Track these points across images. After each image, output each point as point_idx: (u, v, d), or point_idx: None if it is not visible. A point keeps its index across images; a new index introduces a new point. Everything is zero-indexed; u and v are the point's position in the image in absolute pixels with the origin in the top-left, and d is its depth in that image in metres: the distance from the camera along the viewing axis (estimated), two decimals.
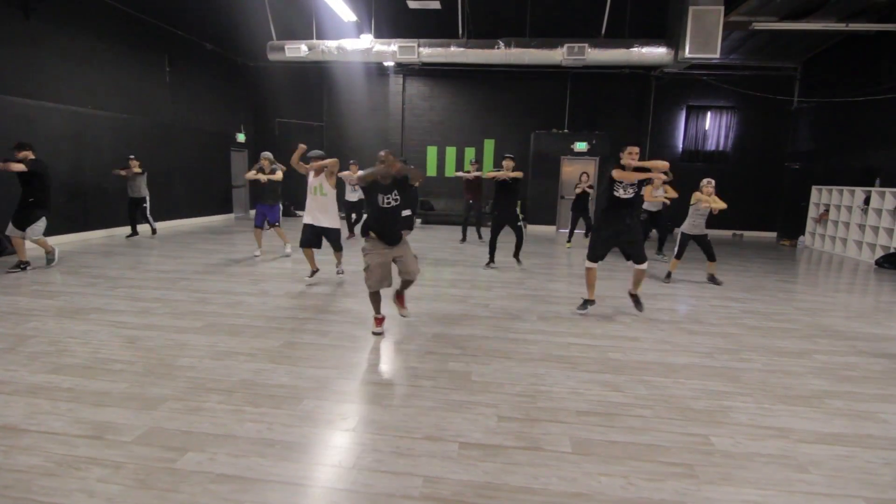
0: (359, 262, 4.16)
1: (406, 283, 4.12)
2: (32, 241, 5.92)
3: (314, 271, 5.78)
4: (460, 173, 9.29)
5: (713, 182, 6.22)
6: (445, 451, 2.36)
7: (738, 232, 12.74)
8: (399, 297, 4.21)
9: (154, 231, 8.98)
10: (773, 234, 12.56)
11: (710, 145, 12.79)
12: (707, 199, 6.14)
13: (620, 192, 4.54)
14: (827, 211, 10.23)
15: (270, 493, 2.01)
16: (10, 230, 5.81)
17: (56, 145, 7.81)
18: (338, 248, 5.83)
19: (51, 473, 2.10)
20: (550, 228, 12.38)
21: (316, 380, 3.12)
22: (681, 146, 12.82)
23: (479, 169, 9.27)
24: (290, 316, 4.46)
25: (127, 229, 8.90)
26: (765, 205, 12.58)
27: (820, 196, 10.53)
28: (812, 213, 10.77)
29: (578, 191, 9.18)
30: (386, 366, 3.47)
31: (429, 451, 2.35)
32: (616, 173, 4.45)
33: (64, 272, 5.91)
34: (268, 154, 7.22)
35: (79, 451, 2.26)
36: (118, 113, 9.16)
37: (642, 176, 4.45)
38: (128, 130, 9.35)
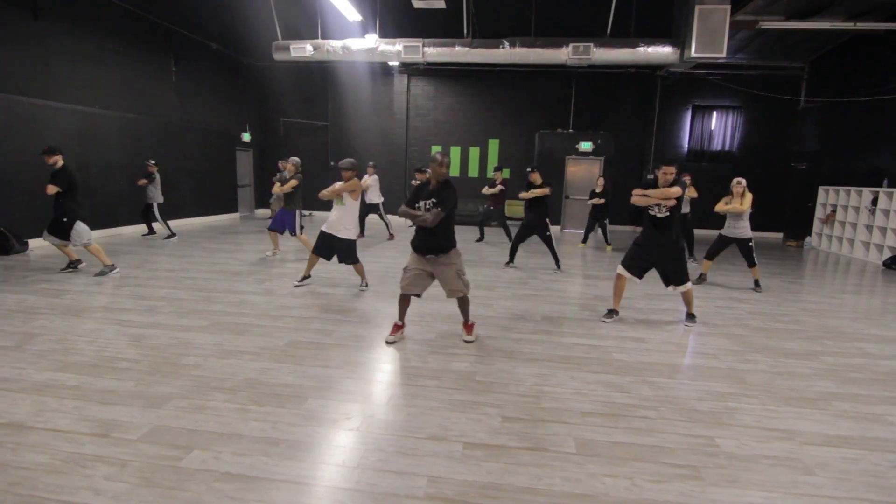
0: (374, 264, 4.08)
1: (461, 306, 3.91)
2: (86, 249, 5.72)
3: (305, 277, 5.58)
4: (487, 190, 9.21)
5: (743, 182, 6.04)
6: (449, 451, 2.36)
7: None
8: (465, 326, 3.98)
9: (170, 235, 8.80)
10: (780, 235, 12.49)
11: (716, 145, 12.72)
12: (723, 206, 6.07)
13: (655, 211, 4.41)
14: (834, 212, 10.15)
15: (275, 492, 2.02)
16: (46, 235, 5.62)
17: (63, 145, 7.80)
18: (353, 260, 5.37)
19: (57, 471, 2.11)
20: (555, 229, 12.32)
21: (320, 379, 3.13)
22: (686, 146, 12.76)
23: (502, 177, 9.26)
24: (294, 315, 4.47)
25: (136, 229, 9.01)
26: (771, 205, 12.48)
27: (827, 196, 10.45)
28: (819, 213, 10.69)
29: (597, 202, 9.21)
30: (390, 365, 3.47)
31: (433, 451, 2.35)
32: (634, 198, 4.43)
33: (70, 271, 5.93)
34: (295, 160, 7.13)
35: (85, 449, 2.27)
36: (125, 112, 9.21)
37: (651, 201, 4.35)
38: (134, 130, 9.40)
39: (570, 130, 12.59)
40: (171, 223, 9.17)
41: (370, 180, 9.02)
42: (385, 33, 10.17)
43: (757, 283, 6.27)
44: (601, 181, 9.38)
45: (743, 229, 6.15)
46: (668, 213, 4.36)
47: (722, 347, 4.00)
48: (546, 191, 6.72)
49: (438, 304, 5.02)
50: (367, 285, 5.57)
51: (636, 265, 4.54)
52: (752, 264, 6.22)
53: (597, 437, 2.53)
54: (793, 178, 12.11)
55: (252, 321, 4.25)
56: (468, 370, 3.35)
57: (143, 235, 8.94)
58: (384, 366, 3.46)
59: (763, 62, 11.77)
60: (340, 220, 5.28)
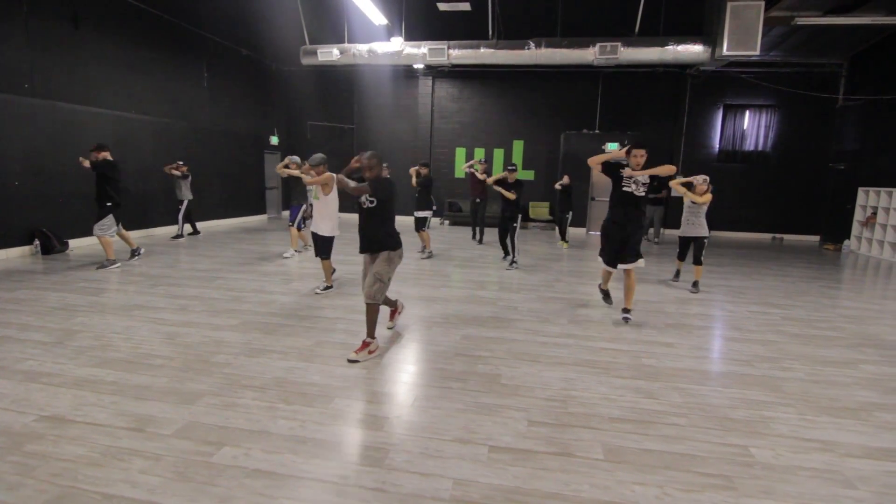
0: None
1: (367, 315, 3.60)
2: (97, 237, 6.17)
3: (327, 286, 5.40)
4: (468, 168, 9.26)
5: (707, 179, 5.95)
6: (475, 453, 2.35)
7: (779, 235, 12.26)
8: (364, 342, 3.61)
9: (177, 235, 9.01)
10: (816, 238, 12.04)
11: (749, 145, 12.36)
12: (685, 192, 5.90)
13: (632, 188, 4.41)
14: (875, 214, 9.75)
15: (303, 490, 2.05)
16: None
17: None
18: (324, 256, 5.29)
19: (96, 463, 2.19)
20: (581, 230, 12.20)
21: (346, 379, 3.16)
22: (717, 146, 12.43)
23: (487, 169, 9.37)
24: (321, 315, 4.53)
25: (170, 230, 9.32)
26: (807, 207, 12.07)
27: (867, 198, 10.05)
28: (858, 215, 10.28)
29: (558, 187, 9.54)
30: (415, 367, 3.48)
31: (458, 454, 2.35)
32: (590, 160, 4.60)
33: (107, 270, 6.15)
34: (295, 158, 7.39)
35: (122, 443, 2.35)
36: (159, 117, 9.51)
37: (601, 158, 4.55)
38: (168, 134, 9.70)
39: (597, 131, 12.42)
40: (203, 224, 9.46)
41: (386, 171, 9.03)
42: (410, 36, 10.24)
43: (696, 283, 6.10)
44: (567, 178, 9.55)
45: (701, 228, 6.00)
46: (644, 193, 4.41)
47: (756, 354, 3.88)
48: (512, 196, 7.12)
49: (464, 306, 5.02)
50: (325, 289, 5.35)
51: (611, 259, 4.65)
52: (698, 263, 6.06)
53: (626, 444, 2.48)
54: (831, 179, 11.65)
55: (280, 321, 4.32)
56: (493, 373, 3.33)
57: (190, 234, 9.35)
58: (409, 367, 3.47)
59: (799, 59, 11.35)
60: (320, 217, 5.31)
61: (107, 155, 6.18)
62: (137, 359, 3.38)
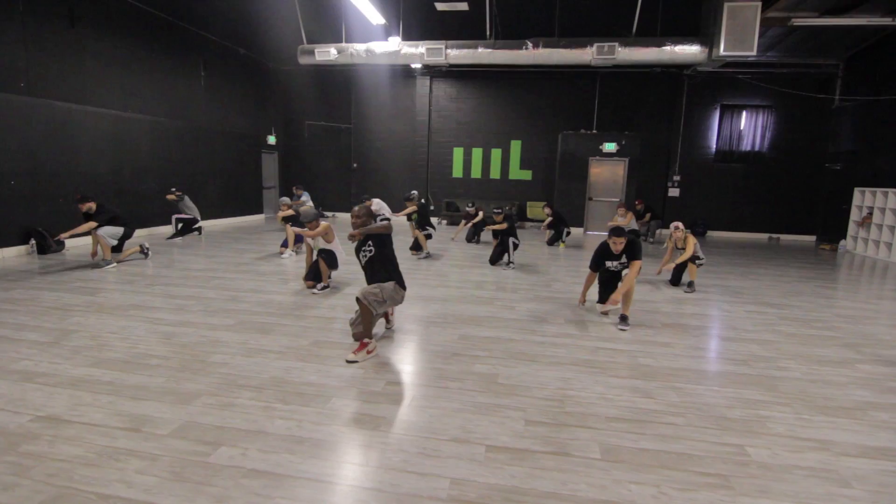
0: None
1: (363, 316, 3.50)
2: (98, 235, 6.20)
3: (324, 286, 5.49)
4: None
5: (681, 226, 6.18)
6: (472, 453, 2.35)
7: (775, 235, 12.31)
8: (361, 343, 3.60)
9: (174, 235, 8.96)
10: (813, 238, 12.10)
11: (746, 145, 12.40)
12: (669, 258, 6.27)
13: (611, 266, 4.73)
14: (870, 214, 9.79)
15: (300, 490, 2.04)
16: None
17: (98, 148, 8.15)
18: (331, 266, 5.48)
19: (92, 463, 2.18)
20: (578, 230, 12.22)
21: (343, 379, 3.16)
22: (714, 146, 12.47)
23: (479, 207, 10.11)
24: (317, 315, 4.52)
25: (167, 229, 9.29)
26: (804, 207, 12.12)
27: (863, 198, 10.09)
28: (854, 216, 10.32)
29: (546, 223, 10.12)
30: (412, 367, 3.48)
31: (455, 453, 2.35)
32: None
33: (104, 270, 6.13)
34: (285, 199, 8.13)
35: (118, 443, 2.34)
36: (156, 116, 9.48)
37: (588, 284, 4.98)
38: (165, 133, 9.67)
39: (594, 131, 12.45)
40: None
41: (375, 205, 9.03)
42: (408, 36, 10.23)
43: (692, 283, 6.13)
44: (548, 210, 10.06)
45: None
46: (621, 268, 4.68)
47: (752, 354, 3.89)
48: (504, 225, 7.65)
49: (461, 305, 5.02)
50: (321, 289, 5.38)
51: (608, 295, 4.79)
52: (692, 262, 6.17)
53: (622, 443, 2.49)
54: (827, 180, 11.71)
55: (277, 320, 4.32)
56: (491, 372, 3.33)
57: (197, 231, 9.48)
58: (406, 367, 3.47)
59: (795, 60, 11.39)
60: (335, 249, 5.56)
61: (91, 206, 6.16)
62: (134, 359, 3.37)
